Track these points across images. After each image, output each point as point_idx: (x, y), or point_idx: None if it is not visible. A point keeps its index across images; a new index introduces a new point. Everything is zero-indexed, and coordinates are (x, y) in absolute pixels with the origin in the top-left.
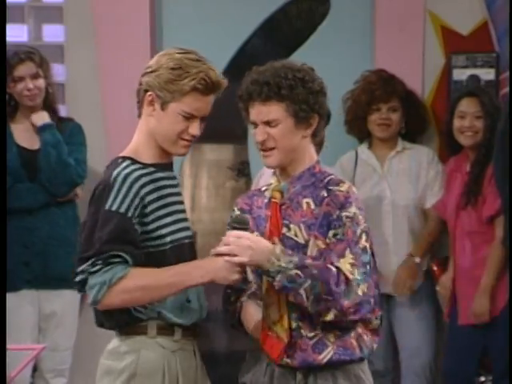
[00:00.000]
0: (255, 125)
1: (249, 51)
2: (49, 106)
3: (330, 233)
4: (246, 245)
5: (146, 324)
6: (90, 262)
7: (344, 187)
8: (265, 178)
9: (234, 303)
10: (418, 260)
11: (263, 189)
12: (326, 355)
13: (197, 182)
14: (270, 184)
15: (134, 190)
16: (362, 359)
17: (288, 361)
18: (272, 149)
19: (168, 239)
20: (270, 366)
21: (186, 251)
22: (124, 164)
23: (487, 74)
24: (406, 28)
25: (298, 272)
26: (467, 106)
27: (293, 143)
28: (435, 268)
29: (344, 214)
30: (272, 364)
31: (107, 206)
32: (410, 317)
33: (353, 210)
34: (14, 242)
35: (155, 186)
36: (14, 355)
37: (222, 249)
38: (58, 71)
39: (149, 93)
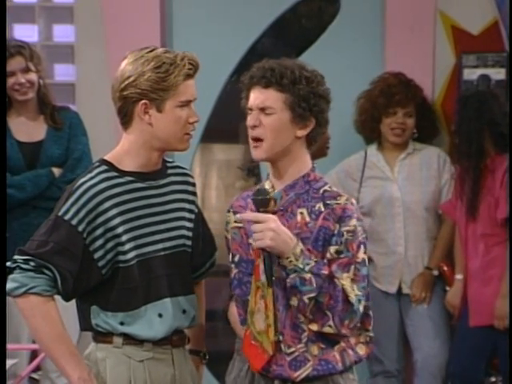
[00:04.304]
0: (250, 110)
1: (259, 51)
2: (42, 99)
3: (332, 249)
4: (270, 228)
5: (112, 334)
6: (25, 257)
7: (341, 200)
8: None
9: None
10: (436, 273)
11: None
12: (303, 372)
13: (207, 182)
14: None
15: (92, 203)
16: (343, 371)
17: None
18: (261, 140)
19: (131, 254)
20: (250, 371)
21: (159, 264)
22: (96, 171)
23: (498, 74)
24: (417, 28)
25: (312, 278)
26: None
27: (283, 139)
28: (445, 268)
29: (344, 228)
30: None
31: (61, 213)
32: (424, 316)
33: (352, 222)
34: (21, 239)
35: (121, 200)
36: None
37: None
38: (69, 71)
39: (141, 102)
